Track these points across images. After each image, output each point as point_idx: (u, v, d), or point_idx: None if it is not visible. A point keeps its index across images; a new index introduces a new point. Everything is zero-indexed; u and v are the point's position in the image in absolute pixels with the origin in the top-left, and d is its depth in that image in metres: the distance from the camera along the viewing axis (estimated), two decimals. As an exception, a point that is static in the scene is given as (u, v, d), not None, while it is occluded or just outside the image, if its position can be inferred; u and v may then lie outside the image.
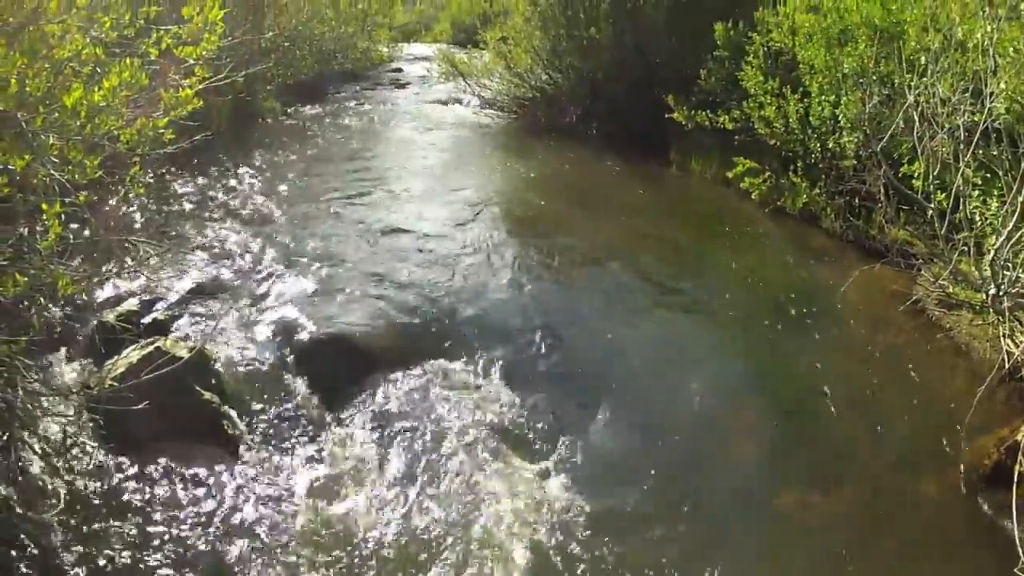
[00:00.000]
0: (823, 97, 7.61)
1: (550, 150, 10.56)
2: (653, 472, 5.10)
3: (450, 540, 4.42)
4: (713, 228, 8.58)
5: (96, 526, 4.16)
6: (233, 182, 8.38)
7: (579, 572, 4.31)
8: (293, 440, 5.05)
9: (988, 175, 5.34)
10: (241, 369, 5.48)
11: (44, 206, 3.51)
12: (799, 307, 6.93)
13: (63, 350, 5.25)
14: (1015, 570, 4.03)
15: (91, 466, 4.51)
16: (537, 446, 5.25)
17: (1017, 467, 4.53)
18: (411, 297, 6.49)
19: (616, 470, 5.13)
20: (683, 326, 6.70)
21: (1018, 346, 5.12)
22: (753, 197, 8.82)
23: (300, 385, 5.45)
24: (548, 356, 6.07)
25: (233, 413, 5.01)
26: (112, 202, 6.69)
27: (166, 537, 4.18)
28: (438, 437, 5.16)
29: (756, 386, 6.04)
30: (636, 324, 6.61)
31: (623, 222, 8.56)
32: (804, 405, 5.77)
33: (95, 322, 5.48)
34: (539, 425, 5.41)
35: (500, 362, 5.91)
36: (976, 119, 5.08)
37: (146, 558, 4.05)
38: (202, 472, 4.63)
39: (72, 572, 3.89)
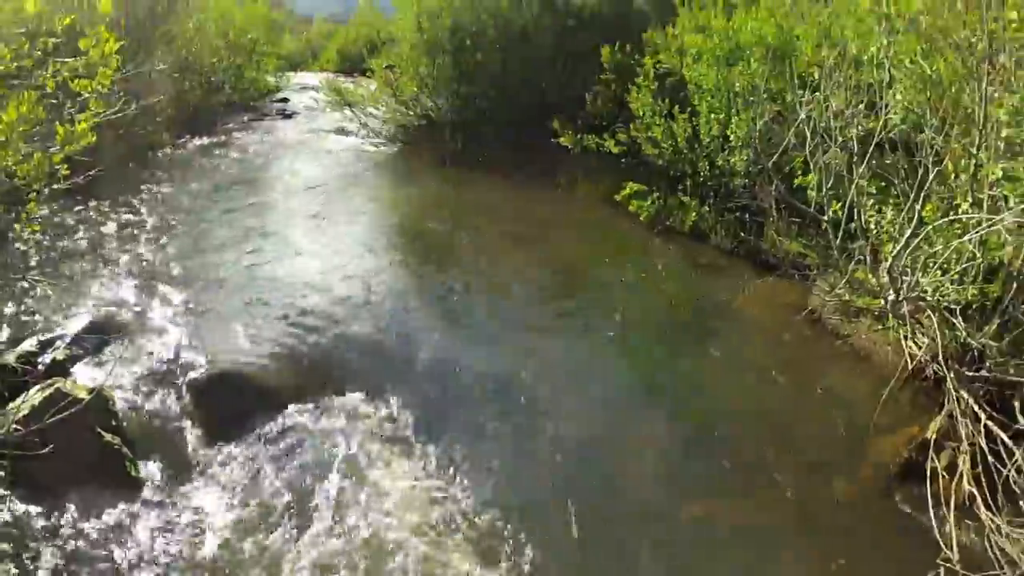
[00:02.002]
0: (712, 116, 7.80)
1: (437, 177, 10.54)
2: (551, 489, 5.07)
3: (348, 561, 4.38)
4: (603, 250, 8.66)
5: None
6: (126, 217, 8.19)
7: None
8: (193, 479, 4.94)
9: (883, 184, 5.55)
10: (139, 409, 5.35)
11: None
12: (695, 322, 7.06)
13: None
14: (937, 560, 4.13)
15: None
16: (431, 468, 5.18)
17: (929, 463, 4.70)
18: (303, 331, 6.38)
19: (513, 490, 5.04)
20: (578, 346, 6.69)
21: (919, 348, 5.31)
22: (642, 219, 8.93)
23: (197, 424, 5.34)
24: (441, 380, 6.00)
25: (132, 455, 4.88)
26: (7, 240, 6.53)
27: None
28: (332, 465, 5.10)
29: (655, 401, 6.07)
30: (530, 345, 6.59)
31: (512, 246, 8.56)
32: (706, 417, 5.80)
33: (-6, 364, 5.26)
34: (433, 448, 5.33)
35: (393, 390, 5.82)
36: (871, 128, 5.28)
37: None
38: (109, 516, 4.46)
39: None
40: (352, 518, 4.73)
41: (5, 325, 5.79)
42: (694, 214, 8.35)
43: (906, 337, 5.52)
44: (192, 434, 5.26)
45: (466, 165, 10.90)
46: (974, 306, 4.79)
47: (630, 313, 7.19)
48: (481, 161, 10.94)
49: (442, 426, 5.55)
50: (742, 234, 7.89)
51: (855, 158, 5.43)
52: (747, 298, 6.85)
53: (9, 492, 4.37)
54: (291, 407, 5.58)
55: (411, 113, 12.01)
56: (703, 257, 8.31)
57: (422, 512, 4.80)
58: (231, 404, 5.52)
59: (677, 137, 8.22)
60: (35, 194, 4.27)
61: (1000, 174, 4.22)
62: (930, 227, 4.68)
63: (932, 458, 4.69)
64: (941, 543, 4.23)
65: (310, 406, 5.61)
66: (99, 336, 5.95)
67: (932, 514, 4.47)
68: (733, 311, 6.90)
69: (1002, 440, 4.22)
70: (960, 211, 4.52)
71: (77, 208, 8.00)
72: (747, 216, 7.76)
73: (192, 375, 5.66)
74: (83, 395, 4.64)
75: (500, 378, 6.11)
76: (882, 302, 5.45)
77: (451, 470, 5.20)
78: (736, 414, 5.80)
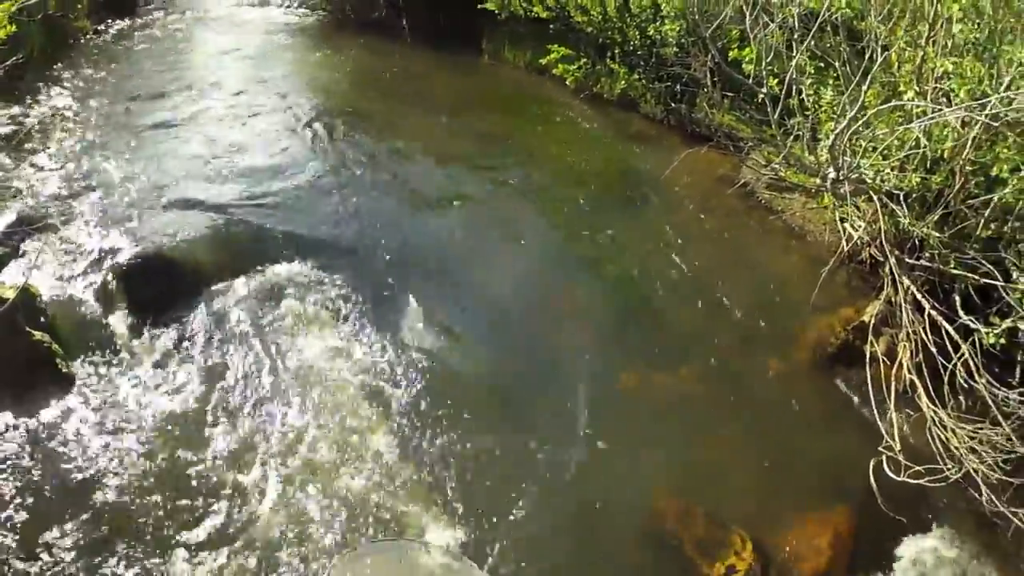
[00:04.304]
0: (644, -15, 7.54)
1: (361, 46, 10.08)
2: (487, 358, 5.18)
3: (283, 434, 4.53)
4: (530, 116, 8.47)
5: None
6: (48, 108, 7.78)
7: (411, 461, 4.39)
8: (124, 367, 4.91)
9: (822, 65, 5.48)
10: (67, 302, 5.26)
11: None
12: (625, 191, 7.02)
13: None
14: (879, 448, 4.28)
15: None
16: (361, 334, 5.25)
17: (869, 347, 4.83)
18: (230, 209, 6.23)
19: (448, 355, 5.14)
20: (507, 213, 6.65)
21: (856, 230, 5.39)
22: (568, 83, 8.71)
23: (124, 311, 5.26)
24: (370, 249, 5.99)
25: (62, 350, 4.82)
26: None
27: (16, 490, 4.06)
28: (263, 342, 5.14)
29: (586, 269, 6.11)
30: (458, 213, 6.57)
31: (438, 114, 8.33)
32: (638, 287, 5.87)
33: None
34: (361, 315, 5.39)
35: (322, 263, 5.79)
36: (814, 8, 5.17)
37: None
38: (43, 416, 4.49)
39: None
40: (280, 387, 4.81)
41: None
42: (623, 82, 8.17)
43: (843, 219, 5.59)
44: (121, 321, 5.19)
45: (389, 33, 10.45)
46: (914, 195, 4.83)
47: (559, 181, 7.14)
48: (405, 28, 10.50)
49: (372, 292, 5.56)
50: (672, 104, 7.78)
51: (795, 36, 5.33)
52: (678, 169, 6.79)
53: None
54: (217, 286, 5.53)
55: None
56: (632, 126, 8.20)
57: (352, 385, 4.86)
58: (157, 288, 5.45)
59: (606, 5, 7.93)
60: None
61: (949, 68, 4.19)
62: (871, 112, 4.64)
63: (871, 342, 4.82)
64: (883, 431, 4.38)
65: (238, 283, 5.56)
66: (23, 232, 5.76)
67: (873, 400, 4.61)
68: (664, 181, 6.87)
69: (947, 332, 4.33)
70: (905, 99, 4.49)
71: None
72: (678, 87, 7.62)
73: (116, 261, 5.53)
74: (9, 295, 4.49)
75: (429, 246, 6.10)
76: (820, 180, 5.46)
77: (378, 334, 5.23)
78: (668, 285, 5.86)
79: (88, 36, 9.87)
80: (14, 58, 4.85)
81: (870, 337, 4.85)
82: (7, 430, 4.35)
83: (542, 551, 4.05)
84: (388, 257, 5.92)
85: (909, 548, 4.08)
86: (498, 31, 9.61)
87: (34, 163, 6.78)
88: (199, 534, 3.98)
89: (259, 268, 5.67)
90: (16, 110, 7.58)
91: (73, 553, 3.81)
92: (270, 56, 9.70)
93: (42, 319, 4.87)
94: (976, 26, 4.22)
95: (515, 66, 9.63)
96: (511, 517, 4.15)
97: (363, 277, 5.69)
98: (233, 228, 6.02)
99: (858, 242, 5.40)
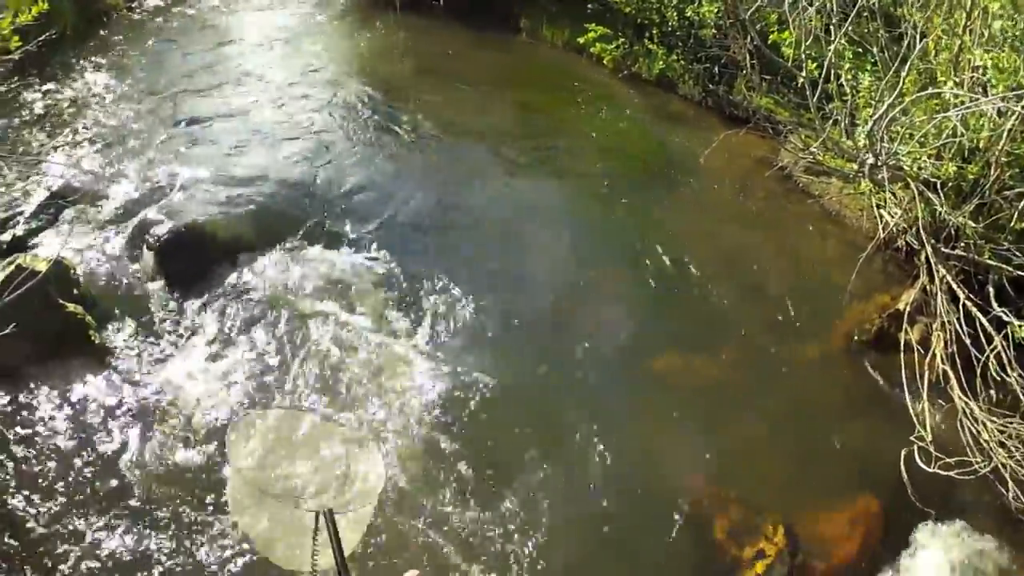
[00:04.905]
0: (681, -34, 7.51)
1: (397, 22, 10.03)
2: (521, 336, 5.18)
3: (318, 396, 4.58)
4: (568, 95, 8.42)
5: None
6: (82, 84, 7.75)
7: (451, 440, 4.41)
8: (159, 338, 4.95)
9: (860, 50, 5.46)
10: (101, 274, 5.32)
11: None
12: (663, 171, 7.01)
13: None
14: (911, 437, 4.30)
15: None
16: (399, 307, 5.27)
17: (903, 335, 4.84)
18: (268, 184, 6.20)
19: (484, 333, 5.16)
20: (545, 191, 6.66)
21: (893, 216, 5.38)
22: (606, 63, 8.71)
23: (158, 282, 5.31)
24: (409, 224, 6.00)
25: (95, 322, 4.85)
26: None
27: (48, 460, 4.11)
28: (298, 312, 5.15)
29: (623, 249, 6.12)
30: (496, 190, 6.56)
31: (475, 91, 8.31)
32: (674, 267, 5.87)
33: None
34: (400, 290, 5.41)
35: (360, 235, 5.81)
36: (851, -6, 5.15)
37: (34, 489, 3.97)
38: (75, 389, 4.52)
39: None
40: (317, 354, 4.83)
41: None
42: (661, 62, 8.15)
43: (879, 205, 5.57)
44: (155, 293, 5.23)
45: (426, 11, 10.44)
46: (950, 184, 4.81)
47: (594, 157, 7.13)
48: (440, 4, 10.49)
49: (409, 268, 5.55)
50: (711, 86, 7.75)
51: (833, 20, 5.31)
52: (716, 150, 6.76)
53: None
54: (252, 260, 5.53)
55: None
56: (670, 106, 8.18)
57: (389, 349, 4.90)
58: (191, 261, 5.45)
59: (645, -15, 7.92)
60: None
61: (988, 63, 4.16)
62: (908, 99, 4.63)
63: (906, 330, 4.83)
64: (915, 420, 4.39)
65: (274, 257, 5.57)
66: (59, 207, 5.79)
67: (906, 388, 4.63)
68: (702, 162, 6.84)
69: (981, 324, 4.33)
70: (943, 88, 4.47)
71: (32, 79, 7.57)
72: (716, 68, 7.60)
73: (152, 233, 5.52)
74: (42, 267, 4.48)
75: (467, 221, 6.13)
76: (857, 166, 5.45)
77: (412, 309, 5.24)
78: (705, 266, 5.87)
79: (122, 13, 9.81)
80: (47, 34, 4.87)
81: (904, 325, 4.86)
82: (38, 400, 4.40)
83: (577, 530, 4.11)
84: (426, 232, 5.95)
85: (936, 539, 4.11)
86: (536, 9, 9.57)
87: (68, 138, 6.80)
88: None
89: (295, 242, 5.69)
90: (50, 86, 7.59)
91: (108, 522, 3.87)
92: (306, 33, 9.64)
93: (75, 291, 4.90)
94: (1014, 23, 4.18)
95: (553, 44, 9.59)
96: (543, 497, 4.19)
97: (400, 252, 5.70)
98: (270, 203, 6.02)
99: (894, 229, 5.39)
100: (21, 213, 5.64)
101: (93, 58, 8.37)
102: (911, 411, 4.50)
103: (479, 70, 8.93)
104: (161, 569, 3.74)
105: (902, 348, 4.81)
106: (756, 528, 4.17)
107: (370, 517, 2.17)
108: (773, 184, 6.74)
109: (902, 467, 4.19)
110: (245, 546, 3.74)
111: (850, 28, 5.21)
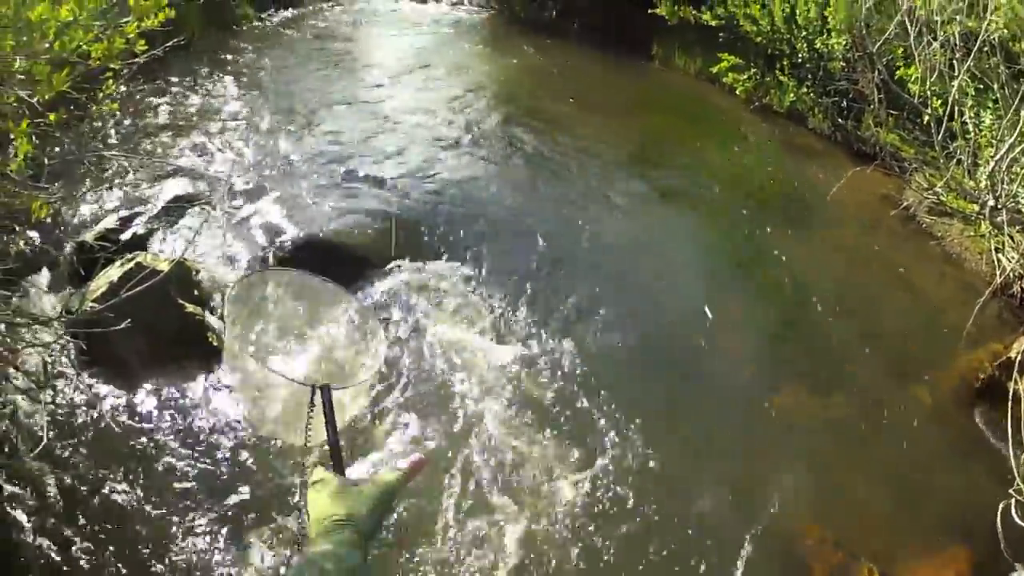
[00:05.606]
0: (810, -4, 7.41)
1: (531, 45, 10.24)
2: (644, 365, 5.11)
3: (432, 419, 4.47)
4: (698, 123, 8.46)
5: (83, 460, 4.05)
6: (207, 91, 8.03)
7: (570, 466, 4.33)
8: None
9: (981, 87, 5.26)
10: (222, 278, 5.33)
11: (11, 124, 3.23)
12: (788, 205, 6.93)
13: (42, 275, 5.03)
14: (1010, 491, 4.10)
15: (77, 397, 4.39)
16: (521, 337, 5.19)
17: (1012, 384, 4.61)
18: (396, 198, 6.31)
19: (606, 364, 5.06)
20: (672, 221, 6.67)
21: (1011, 261, 5.14)
22: (738, 93, 8.69)
23: None
24: (536, 250, 5.97)
25: (216, 324, 4.88)
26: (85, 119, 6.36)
27: (159, 463, 4.10)
28: (419, 334, 5.09)
29: (746, 282, 6.07)
30: (624, 218, 6.55)
31: (608, 116, 8.37)
32: (795, 304, 5.79)
33: (73, 244, 5.25)
34: (516, 312, 5.38)
35: (486, 257, 5.81)
36: (972, 28, 4.97)
37: (139, 486, 3.96)
38: (189, 388, 4.54)
39: (62, 510, 3.78)
40: (433, 376, 4.76)
41: (85, 204, 5.74)
42: (792, 95, 8.06)
43: (998, 249, 5.33)
44: None
45: (560, 33, 10.60)
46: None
47: (723, 188, 7.10)
48: (575, 28, 10.62)
49: (531, 288, 5.55)
50: (840, 120, 7.59)
51: (957, 56, 5.14)
52: (843, 186, 6.65)
53: (82, 371, 4.44)
54: (378, 275, 5.53)
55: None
56: (799, 139, 8.08)
57: (507, 376, 4.84)
58: (318, 271, 5.47)
59: (774, 16, 7.83)
60: (112, 73, 4.04)
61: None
62: (1031, 139, 4.44)
63: (1016, 380, 4.60)
64: (1016, 473, 4.18)
65: (399, 273, 5.58)
66: (182, 209, 5.86)
67: (1010, 440, 4.41)
68: (828, 198, 6.73)
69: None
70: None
71: (158, 84, 7.77)
72: (844, 102, 7.43)
73: (277, 242, 5.62)
74: (163, 267, 4.51)
75: (591, 246, 6.11)
76: (978, 207, 5.24)
77: (535, 335, 5.20)
78: (825, 303, 5.76)
79: (252, 23, 10.02)
80: (174, 41, 5.04)
81: (1015, 374, 4.62)
82: (154, 400, 4.42)
83: (680, 559, 4.01)
84: (550, 253, 5.95)
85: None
86: (669, 37, 9.63)
87: (195, 143, 6.93)
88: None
89: (421, 259, 5.71)
90: (177, 91, 7.82)
91: (222, 526, 3.86)
92: (437, 51, 9.86)
93: (196, 292, 4.92)
94: None
95: (685, 72, 9.61)
96: (653, 522, 4.10)
97: (524, 274, 5.71)
98: (398, 218, 6.04)
99: (1011, 274, 5.14)
100: (143, 214, 5.74)
101: (221, 67, 8.60)
102: (1012, 464, 4.29)
103: (612, 97, 9.05)
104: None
105: (1010, 398, 4.57)
106: (852, 572, 4.06)
107: (367, 393, 2.12)
108: (896, 223, 6.57)
109: (998, 520, 4.00)
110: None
111: (972, 64, 5.03)
